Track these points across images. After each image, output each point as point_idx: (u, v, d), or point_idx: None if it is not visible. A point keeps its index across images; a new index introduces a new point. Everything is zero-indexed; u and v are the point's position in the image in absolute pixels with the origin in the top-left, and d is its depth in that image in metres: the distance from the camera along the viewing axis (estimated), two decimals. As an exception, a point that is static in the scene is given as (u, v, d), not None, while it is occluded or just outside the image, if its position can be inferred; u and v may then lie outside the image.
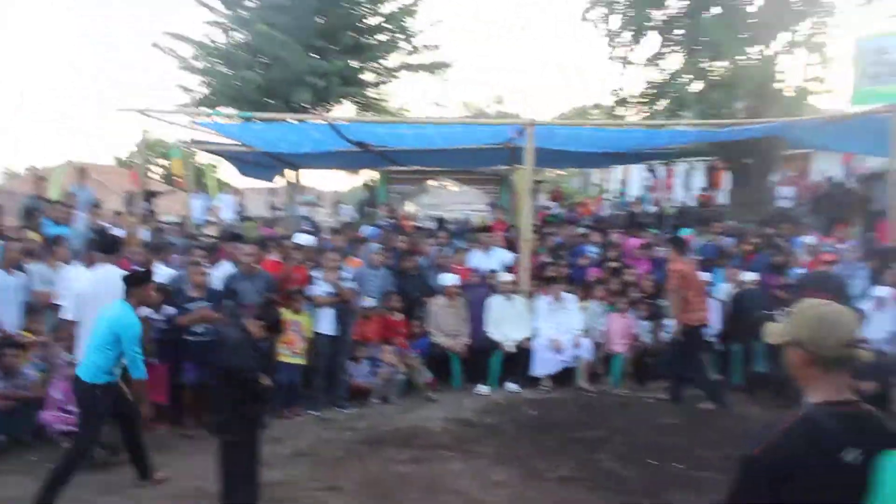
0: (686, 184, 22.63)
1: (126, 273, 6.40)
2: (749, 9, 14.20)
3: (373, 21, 22.68)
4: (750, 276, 10.17)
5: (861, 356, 2.40)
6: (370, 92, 23.36)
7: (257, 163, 14.94)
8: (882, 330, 8.99)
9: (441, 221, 15.83)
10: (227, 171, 27.34)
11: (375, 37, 23.26)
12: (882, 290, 9.34)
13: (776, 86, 14.01)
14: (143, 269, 6.89)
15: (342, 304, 8.83)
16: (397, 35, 23.08)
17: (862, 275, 9.91)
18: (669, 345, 9.12)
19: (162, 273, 8.30)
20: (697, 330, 8.80)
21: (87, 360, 6.01)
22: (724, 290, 10.34)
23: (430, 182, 25.67)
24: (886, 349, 8.78)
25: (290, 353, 8.51)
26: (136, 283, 6.14)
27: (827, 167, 19.61)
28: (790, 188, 19.33)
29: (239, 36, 22.18)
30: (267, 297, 7.34)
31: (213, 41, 21.78)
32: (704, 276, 10.16)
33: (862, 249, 10.37)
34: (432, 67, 23.69)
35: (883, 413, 2.42)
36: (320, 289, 8.80)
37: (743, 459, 2.33)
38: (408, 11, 22.43)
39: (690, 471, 6.67)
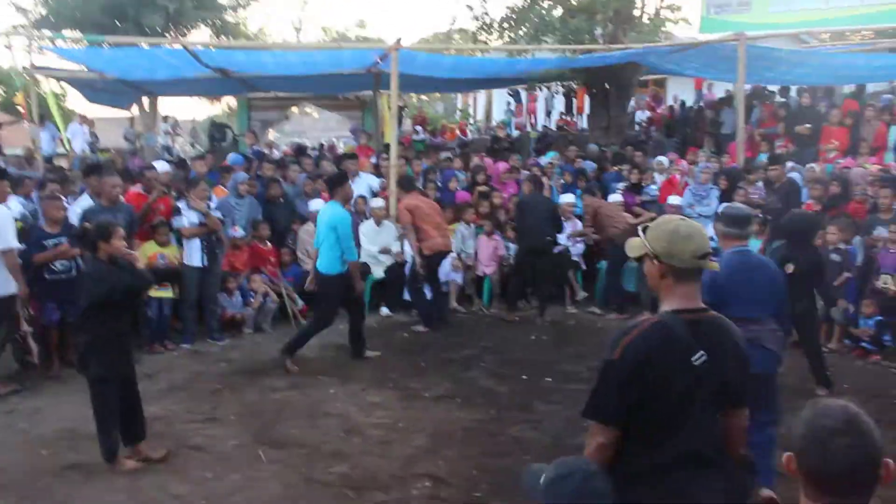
0: (548, 108, 23.09)
1: None
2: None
3: (226, -61, 21.68)
4: (614, 198, 10.59)
5: (710, 267, 2.60)
6: (227, 16, 22.45)
7: (109, 90, 14.13)
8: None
9: (301, 149, 15.57)
10: (77, 100, 25.87)
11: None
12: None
13: (634, 13, 14.42)
14: None
15: (210, 235, 8.62)
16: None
17: (713, 194, 10.50)
18: (410, 275, 9.50)
19: (16, 208, 7.84)
20: (435, 257, 9.19)
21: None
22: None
23: (292, 109, 25.13)
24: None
25: (158, 286, 8.27)
26: None
27: (680, 92, 20.46)
28: (646, 112, 20.12)
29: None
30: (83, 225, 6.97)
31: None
32: (566, 197, 10.55)
33: (712, 171, 10.96)
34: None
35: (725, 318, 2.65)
36: (187, 220, 8.54)
37: (603, 363, 2.51)
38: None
39: (560, 384, 7.04)
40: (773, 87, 15.49)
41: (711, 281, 4.07)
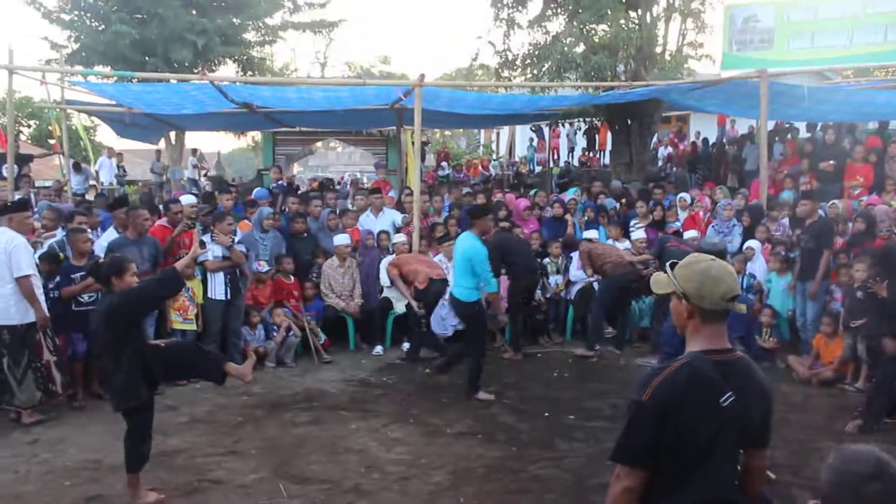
0: (570, 144, 23.19)
1: None
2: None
3: (253, -23, 22.06)
4: (637, 235, 10.58)
5: (738, 310, 2.60)
6: (253, 51, 22.80)
7: (137, 124, 14.38)
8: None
9: (325, 184, 15.68)
10: (107, 133, 26.22)
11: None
12: (753, 243, 9.94)
13: (656, 50, 14.51)
14: None
15: (234, 269, 8.70)
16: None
17: (736, 231, 10.47)
18: (413, 322, 9.76)
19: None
20: (431, 287, 9.49)
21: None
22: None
23: (317, 144, 25.37)
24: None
25: (182, 319, 8.35)
26: None
27: (703, 128, 20.49)
28: (668, 149, 20.15)
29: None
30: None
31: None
32: (590, 233, 10.57)
33: (735, 207, 10.92)
34: (316, 26, 23.31)
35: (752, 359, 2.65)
36: (211, 253, 8.63)
37: (633, 405, 2.49)
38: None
39: (582, 421, 6.99)
40: (799, 124, 15.49)
41: None
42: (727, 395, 2.42)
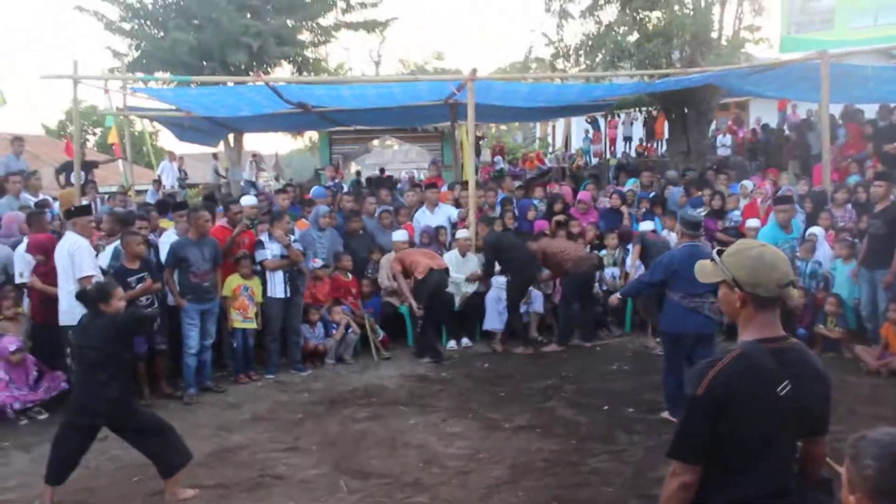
0: (626, 135, 22.91)
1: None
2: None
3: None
4: (645, 226, 10.50)
5: (792, 296, 2.53)
6: (307, 52, 23.02)
7: (197, 128, 14.67)
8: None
9: (373, 180, 15.72)
10: (167, 138, 26.78)
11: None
12: (816, 230, 9.69)
13: (711, 35, 14.24)
14: None
15: (292, 267, 8.82)
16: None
17: (799, 217, 10.21)
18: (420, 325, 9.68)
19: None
20: (430, 277, 9.41)
21: None
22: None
23: (373, 142, 25.55)
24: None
25: (243, 318, 8.49)
26: None
27: (763, 114, 20.03)
28: (728, 136, 19.76)
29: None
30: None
31: (139, 1, 21.17)
32: (645, 225, 10.44)
33: (797, 193, 10.67)
34: (369, 25, 23.43)
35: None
36: (269, 252, 8.76)
37: (689, 399, 2.44)
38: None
39: (642, 414, 6.92)
40: (871, 106, 15.01)
41: (667, 264, 6.77)
42: (784, 383, 2.36)
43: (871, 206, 9.23)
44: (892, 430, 1.77)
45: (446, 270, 9.61)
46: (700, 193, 11.61)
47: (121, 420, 5.24)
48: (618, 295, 7.88)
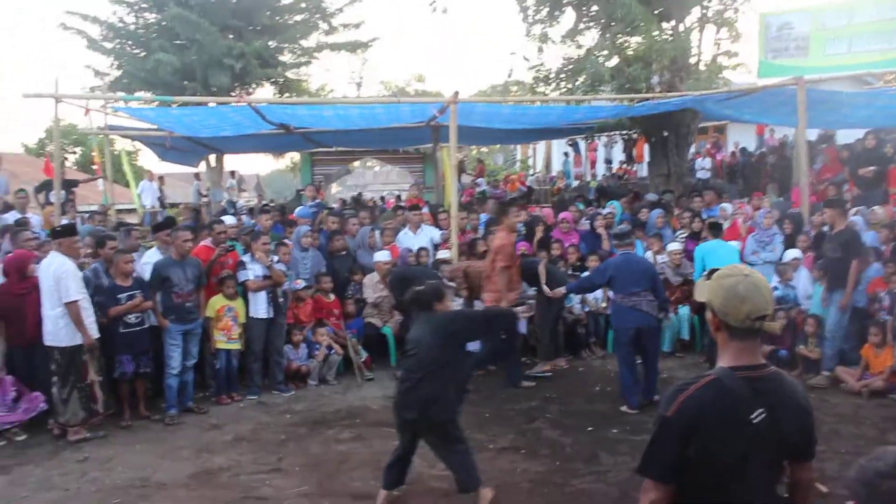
0: (607, 158, 23.10)
1: None
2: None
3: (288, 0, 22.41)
4: (674, 247, 10.50)
5: (770, 328, 2.53)
6: (289, 73, 23.11)
7: (178, 148, 14.63)
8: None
9: (353, 201, 15.72)
10: (148, 157, 26.63)
11: (292, 16, 22.97)
12: (793, 253, 9.78)
13: (690, 60, 14.42)
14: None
15: (275, 288, 8.80)
16: (314, 14, 22.85)
17: (777, 240, 10.32)
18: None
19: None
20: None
21: None
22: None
23: (354, 163, 25.57)
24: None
25: (227, 339, 8.46)
26: None
27: (742, 138, 20.29)
28: (707, 159, 19.98)
29: (150, 17, 21.62)
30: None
31: (122, 21, 21.18)
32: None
33: (776, 215, 10.77)
34: (351, 46, 23.56)
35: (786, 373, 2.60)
36: (252, 273, 8.74)
37: (658, 420, 2.46)
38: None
39: (626, 435, 6.94)
40: (845, 131, 15.22)
41: (603, 270, 8.15)
42: (759, 412, 2.38)
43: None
44: (882, 448, 1.78)
45: None
46: (679, 214, 11.71)
47: (436, 422, 5.21)
48: (562, 289, 8.64)
